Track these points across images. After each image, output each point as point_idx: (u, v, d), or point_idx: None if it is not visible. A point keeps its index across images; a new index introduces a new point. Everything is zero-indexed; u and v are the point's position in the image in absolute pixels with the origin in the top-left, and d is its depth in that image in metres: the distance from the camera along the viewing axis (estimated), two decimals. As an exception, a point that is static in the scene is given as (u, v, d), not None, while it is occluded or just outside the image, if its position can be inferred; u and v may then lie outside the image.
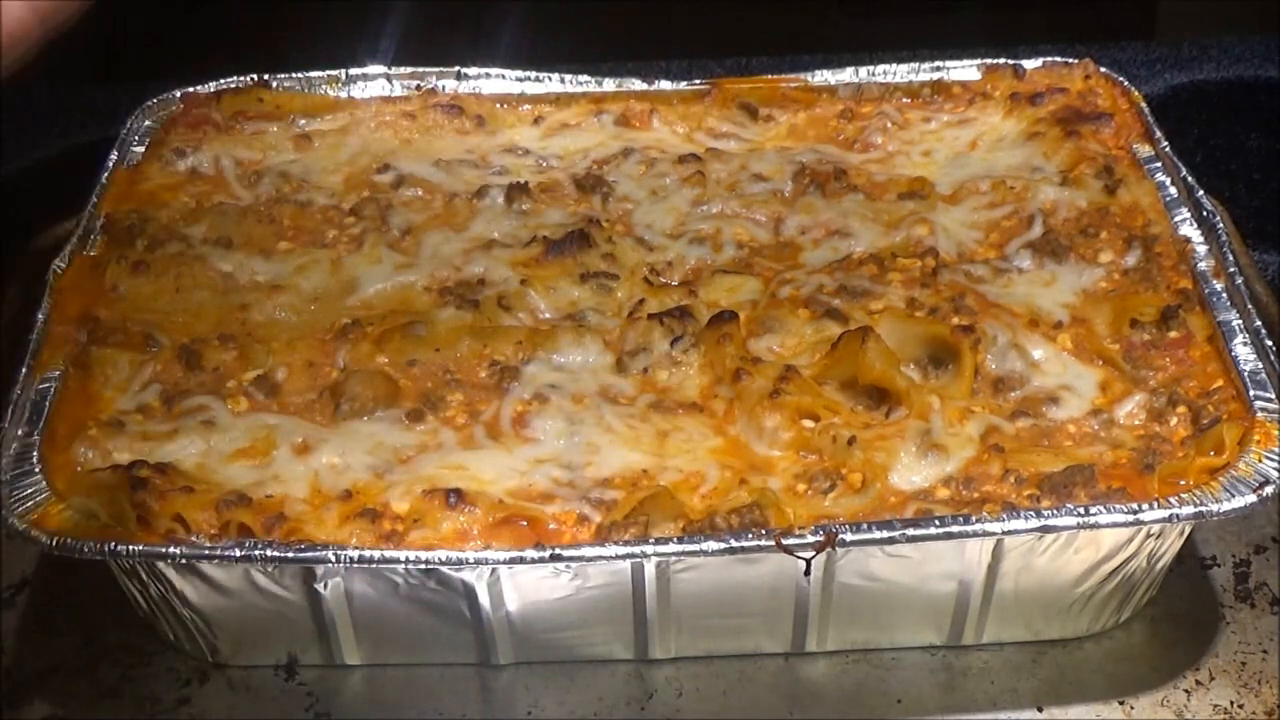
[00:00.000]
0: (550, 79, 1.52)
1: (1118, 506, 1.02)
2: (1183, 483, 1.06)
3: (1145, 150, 1.39)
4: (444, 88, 1.53)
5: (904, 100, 1.52)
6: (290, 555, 1.01)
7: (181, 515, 1.04)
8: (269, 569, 1.04)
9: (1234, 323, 1.17)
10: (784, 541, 1.00)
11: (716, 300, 1.26)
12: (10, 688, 1.13)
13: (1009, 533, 1.02)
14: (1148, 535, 1.06)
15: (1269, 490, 1.02)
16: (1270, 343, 1.14)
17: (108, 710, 1.11)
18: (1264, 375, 1.12)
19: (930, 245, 1.32)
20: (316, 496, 1.09)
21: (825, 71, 1.53)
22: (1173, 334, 1.20)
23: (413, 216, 1.37)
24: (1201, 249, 1.26)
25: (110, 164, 1.40)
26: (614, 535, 1.04)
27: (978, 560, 1.05)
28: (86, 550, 1.00)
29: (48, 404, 1.12)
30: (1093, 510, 1.01)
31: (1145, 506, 1.02)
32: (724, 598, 1.07)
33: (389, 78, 1.53)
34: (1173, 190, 1.33)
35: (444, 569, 1.02)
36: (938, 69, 1.53)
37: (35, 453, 1.08)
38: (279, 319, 1.25)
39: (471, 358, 1.21)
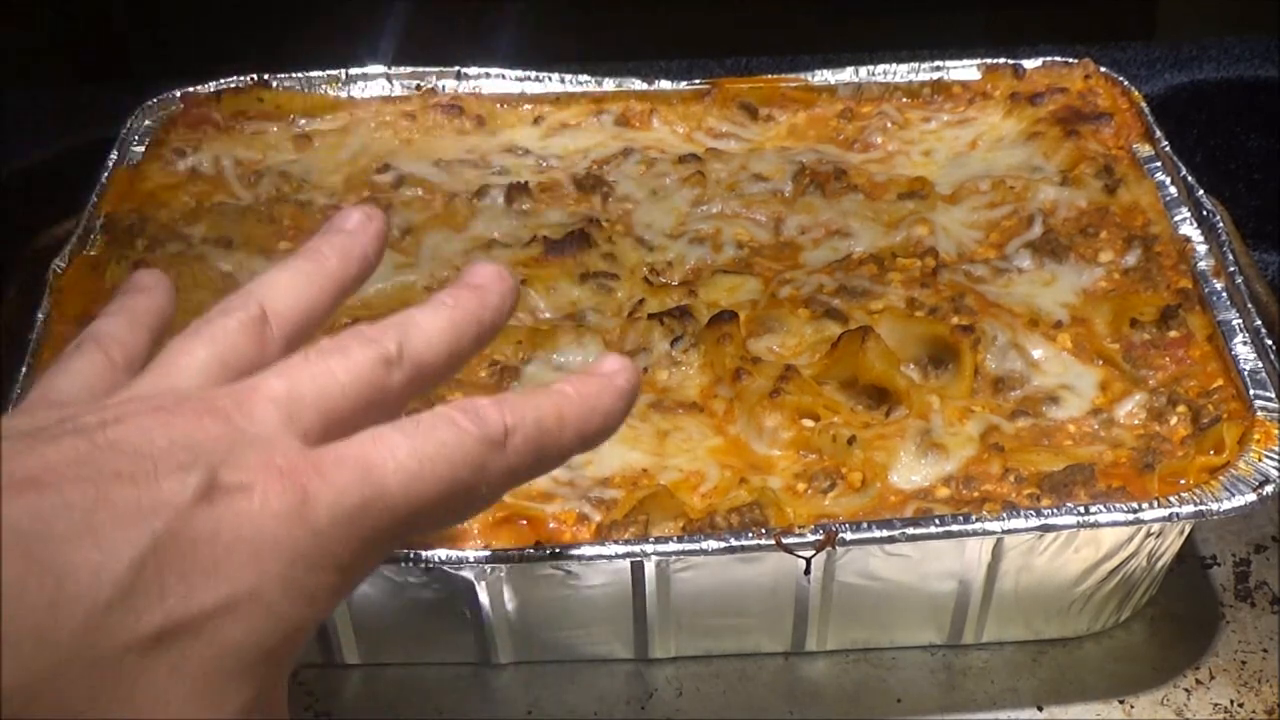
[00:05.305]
0: (550, 79, 1.52)
1: (1118, 506, 1.02)
2: (1183, 482, 1.06)
3: (1145, 150, 1.39)
4: (444, 88, 1.53)
5: (904, 100, 1.51)
6: (290, 555, 1.01)
7: (181, 515, 1.04)
8: (269, 568, 1.04)
9: (1234, 322, 1.17)
10: (784, 540, 1.00)
11: (716, 300, 1.26)
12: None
13: (1009, 532, 1.02)
14: (1148, 534, 1.06)
15: (1269, 489, 1.02)
16: (1270, 342, 1.14)
17: (107, 710, 1.11)
18: (1264, 375, 1.12)
19: (930, 245, 1.31)
20: (316, 496, 1.09)
21: (825, 71, 1.53)
22: (1173, 333, 1.19)
23: (413, 216, 1.37)
24: (1201, 249, 1.26)
25: (110, 164, 1.40)
26: (614, 534, 1.04)
27: (978, 559, 1.05)
28: (86, 550, 1.00)
29: (48, 403, 1.12)
30: (1093, 509, 1.01)
31: (1145, 505, 1.01)
32: (724, 597, 1.07)
33: (389, 78, 1.53)
34: (1173, 190, 1.33)
35: (444, 568, 1.02)
36: (938, 69, 1.52)
37: (35, 452, 1.07)
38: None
39: (471, 357, 1.21)
